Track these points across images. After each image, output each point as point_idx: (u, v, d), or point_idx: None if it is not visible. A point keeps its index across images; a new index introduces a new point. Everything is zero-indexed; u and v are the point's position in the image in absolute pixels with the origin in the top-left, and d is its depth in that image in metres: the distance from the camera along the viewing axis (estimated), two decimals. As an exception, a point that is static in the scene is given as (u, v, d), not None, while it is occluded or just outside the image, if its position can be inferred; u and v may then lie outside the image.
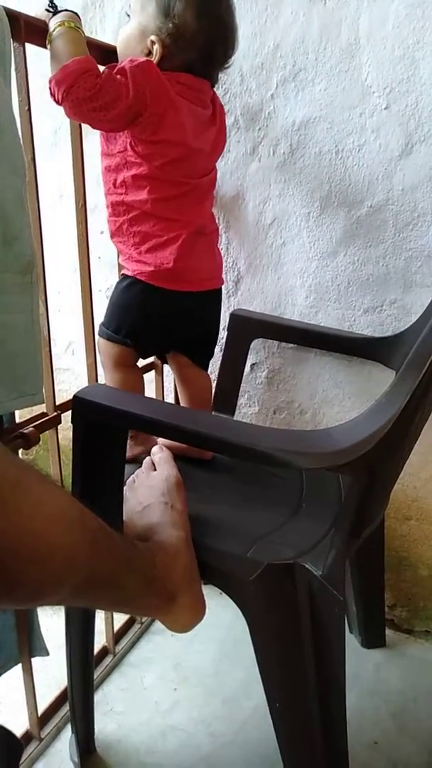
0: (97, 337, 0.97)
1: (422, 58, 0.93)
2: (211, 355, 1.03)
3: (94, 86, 0.75)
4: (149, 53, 0.83)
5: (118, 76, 0.78)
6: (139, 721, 1.03)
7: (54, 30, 0.77)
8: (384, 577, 1.13)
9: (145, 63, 0.79)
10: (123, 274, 0.93)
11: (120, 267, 1.00)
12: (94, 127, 0.83)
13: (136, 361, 0.98)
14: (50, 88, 0.77)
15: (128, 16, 0.87)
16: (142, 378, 1.02)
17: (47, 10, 0.78)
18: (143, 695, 1.08)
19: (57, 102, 0.78)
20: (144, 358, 0.99)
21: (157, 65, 0.82)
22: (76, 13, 0.80)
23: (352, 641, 1.18)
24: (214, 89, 0.92)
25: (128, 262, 0.91)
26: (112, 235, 0.93)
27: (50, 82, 0.77)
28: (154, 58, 0.82)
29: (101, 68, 0.79)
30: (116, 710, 1.05)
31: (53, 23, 0.77)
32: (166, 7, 0.81)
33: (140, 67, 0.79)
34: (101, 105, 0.76)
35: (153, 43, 0.82)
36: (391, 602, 1.22)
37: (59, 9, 0.78)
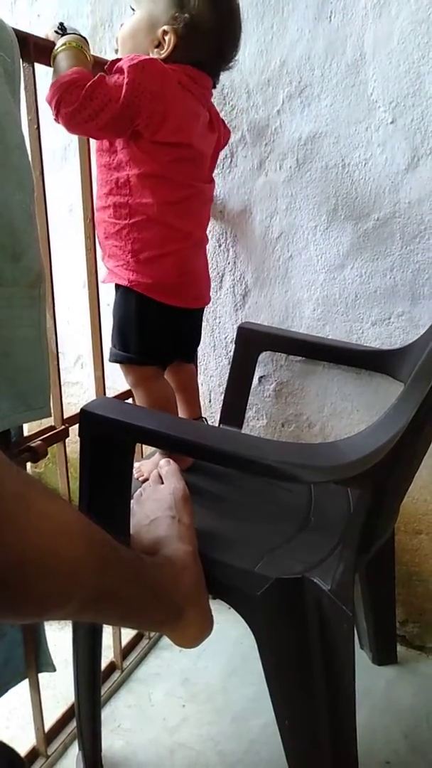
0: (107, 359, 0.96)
1: (427, 73, 0.94)
2: (196, 349, 1.04)
3: (79, 97, 0.74)
4: (159, 45, 0.82)
5: (117, 76, 0.77)
6: (146, 738, 1.01)
7: (57, 49, 0.78)
8: (395, 592, 1.12)
9: (146, 60, 0.77)
10: (117, 284, 0.90)
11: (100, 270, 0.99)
12: (95, 137, 0.82)
13: (159, 373, 0.95)
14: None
15: (132, 9, 0.86)
16: (171, 388, 0.98)
17: (56, 32, 0.79)
18: (151, 712, 1.07)
19: (55, 120, 0.78)
20: (163, 368, 0.96)
21: (166, 58, 0.81)
22: (84, 38, 0.81)
23: (362, 658, 1.16)
24: (211, 100, 0.92)
25: (122, 269, 0.88)
26: (107, 237, 0.89)
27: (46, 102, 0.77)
28: (165, 50, 0.81)
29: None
30: (124, 727, 1.03)
31: (59, 42, 0.79)
32: None
33: (139, 65, 0.76)
34: (90, 114, 0.75)
35: (165, 33, 0.80)
36: (403, 618, 1.21)
37: (68, 32, 0.80)
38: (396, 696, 1.09)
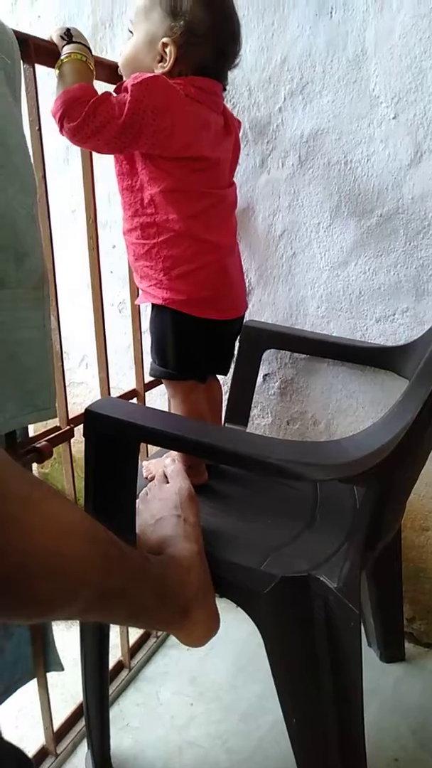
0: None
1: (430, 68, 0.93)
2: (229, 364, 1.03)
3: (81, 113, 0.75)
4: (161, 59, 0.82)
5: (122, 94, 0.78)
6: (155, 736, 1.02)
7: (63, 58, 0.78)
8: (402, 589, 1.12)
9: (150, 78, 0.78)
10: (153, 305, 0.90)
11: (134, 290, 0.99)
12: (99, 152, 0.83)
13: (197, 386, 0.94)
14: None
15: (131, 32, 0.86)
16: (205, 403, 0.98)
17: (62, 37, 0.79)
18: (159, 710, 1.07)
19: (60, 133, 0.78)
20: (202, 381, 0.95)
21: (171, 70, 0.81)
22: (87, 47, 0.81)
23: (370, 655, 1.16)
24: (224, 102, 0.93)
25: (155, 288, 0.88)
26: (137, 259, 0.89)
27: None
28: (168, 62, 0.81)
29: (110, 88, 0.80)
30: (132, 725, 1.04)
31: (64, 52, 0.79)
32: (173, 6, 0.80)
33: (143, 83, 0.77)
34: (93, 129, 0.76)
35: (165, 45, 0.81)
36: (410, 615, 1.20)
37: (74, 39, 0.80)
38: (404, 693, 1.09)
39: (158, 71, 0.82)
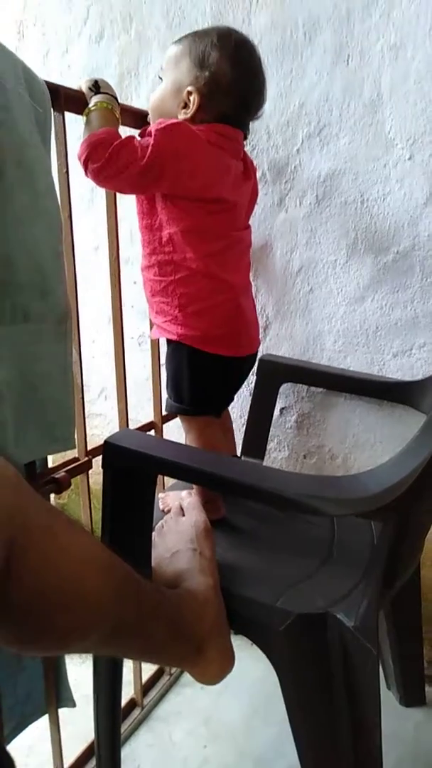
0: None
1: (444, 111, 0.96)
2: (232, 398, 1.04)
3: (104, 155, 0.78)
4: (185, 106, 0.86)
5: (146, 138, 0.81)
6: (167, 779, 0.99)
7: (90, 107, 0.83)
8: (422, 630, 1.09)
9: (173, 124, 0.82)
10: (169, 341, 0.92)
11: (150, 324, 1.01)
12: (122, 192, 0.86)
13: (212, 421, 0.95)
14: None
15: (161, 79, 0.91)
16: (221, 436, 0.99)
17: (90, 89, 0.84)
18: (171, 752, 1.04)
19: (85, 175, 0.82)
20: (217, 416, 0.97)
21: (194, 117, 0.85)
22: (115, 97, 0.86)
23: (390, 699, 1.12)
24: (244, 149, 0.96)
25: (170, 324, 0.90)
26: (154, 295, 0.91)
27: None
28: (191, 109, 0.85)
29: (136, 132, 0.83)
30: (144, 767, 1.01)
31: (92, 102, 0.83)
32: (201, 58, 0.84)
33: (167, 128, 0.81)
34: (115, 171, 0.79)
35: (190, 93, 0.85)
36: (431, 657, 1.17)
37: (101, 90, 0.84)
38: (425, 739, 1.05)
39: (181, 117, 0.86)
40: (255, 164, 1.03)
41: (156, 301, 0.92)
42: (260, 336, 1.19)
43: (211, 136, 0.85)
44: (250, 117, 0.91)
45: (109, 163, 0.78)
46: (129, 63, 1.19)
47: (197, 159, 0.83)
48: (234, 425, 1.25)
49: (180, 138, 0.82)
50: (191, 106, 0.85)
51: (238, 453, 1.17)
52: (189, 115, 0.85)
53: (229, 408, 1.21)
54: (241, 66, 0.86)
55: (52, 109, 0.76)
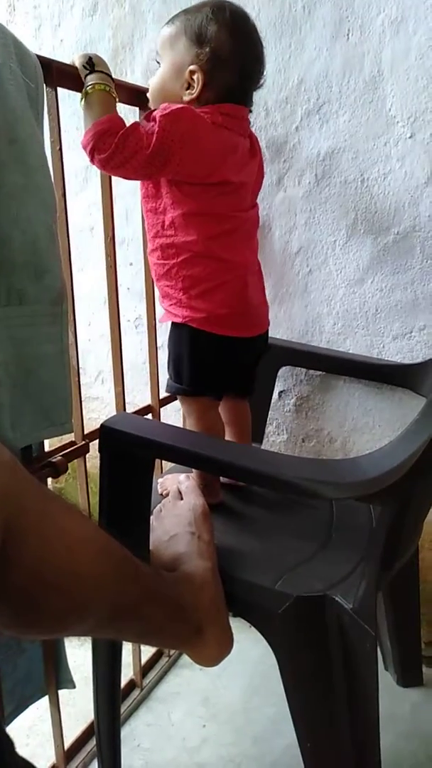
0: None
1: (446, 87, 0.94)
2: (252, 385, 1.01)
3: (111, 145, 0.77)
4: (189, 86, 0.84)
5: (150, 124, 0.79)
6: (165, 758, 1.00)
7: (87, 89, 0.80)
8: (420, 612, 1.09)
9: (178, 109, 0.80)
10: (172, 322, 0.91)
11: (149, 309, 1.00)
12: (128, 179, 0.85)
13: (212, 404, 0.94)
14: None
15: (158, 63, 0.88)
16: (221, 422, 0.97)
17: (84, 66, 0.81)
18: (170, 731, 1.05)
19: (91, 163, 0.80)
20: (217, 399, 0.95)
21: (199, 96, 0.83)
22: (109, 74, 0.83)
23: (387, 679, 1.14)
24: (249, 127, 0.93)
25: (176, 307, 0.89)
26: (158, 279, 0.91)
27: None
28: (196, 89, 0.83)
29: (136, 113, 0.80)
30: (143, 746, 1.02)
31: (88, 82, 0.81)
32: (198, 35, 0.82)
33: (171, 114, 0.79)
34: (122, 160, 0.78)
35: (193, 72, 0.83)
36: (428, 638, 1.18)
37: (96, 69, 0.82)
38: (422, 719, 1.06)
39: (186, 98, 0.84)
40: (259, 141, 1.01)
41: (161, 285, 0.91)
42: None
43: (216, 118, 0.83)
44: (253, 86, 0.89)
45: (116, 153, 0.77)
46: (123, 37, 1.16)
47: (203, 144, 0.81)
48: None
49: (185, 123, 0.80)
50: (196, 85, 0.83)
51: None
52: (195, 95, 0.83)
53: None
54: (239, 35, 0.84)
55: (44, 85, 0.74)
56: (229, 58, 0.83)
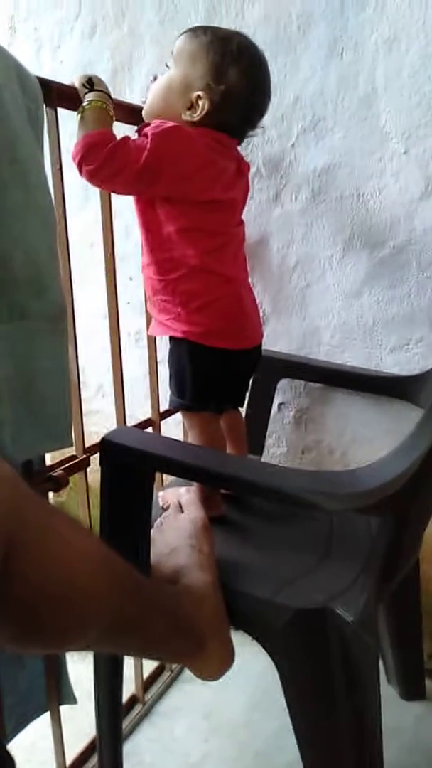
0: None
1: (439, 104, 0.96)
2: (246, 393, 1.02)
3: (99, 157, 0.77)
4: (191, 106, 0.84)
5: (141, 139, 0.80)
6: (168, 774, 0.99)
7: (84, 105, 0.82)
8: (421, 624, 1.09)
9: (171, 128, 0.81)
10: (172, 338, 0.92)
11: (147, 322, 1.01)
12: (116, 193, 0.86)
13: (214, 418, 0.94)
14: None
15: (167, 66, 0.88)
16: (222, 436, 0.98)
17: (84, 86, 0.83)
18: (173, 747, 1.05)
19: (80, 175, 0.81)
20: (219, 413, 0.95)
21: (196, 121, 0.84)
22: (108, 93, 0.84)
23: (390, 693, 1.13)
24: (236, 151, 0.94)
25: (174, 322, 0.90)
26: (155, 293, 0.91)
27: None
28: (198, 114, 0.84)
29: (128, 128, 0.82)
30: (145, 762, 1.02)
31: (86, 99, 0.82)
32: (219, 69, 0.82)
33: (164, 132, 0.80)
34: (110, 173, 0.78)
35: (200, 98, 0.83)
36: (430, 651, 1.17)
37: (95, 87, 0.83)
38: (425, 732, 1.06)
39: (185, 117, 0.85)
40: (248, 161, 1.03)
41: (158, 300, 0.91)
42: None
43: (209, 142, 0.84)
44: (251, 130, 0.91)
45: (105, 165, 0.78)
46: (122, 58, 1.19)
47: (193, 165, 0.82)
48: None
49: (177, 144, 0.81)
50: (198, 111, 0.84)
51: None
52: (194, 119, 0.84)
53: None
54: (255, 84, 0.85)
55: (44, 105, 0.75)
56: (238, 103, 0.84)
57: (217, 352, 0.89)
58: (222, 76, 0.83)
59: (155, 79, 0.90)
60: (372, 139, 1.02)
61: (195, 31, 0.86)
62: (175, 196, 0.84)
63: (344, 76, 1.02)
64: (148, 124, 0.85)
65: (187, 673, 1.07)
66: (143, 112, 0.91)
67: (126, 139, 0.80)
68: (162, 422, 1.16)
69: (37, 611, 0.48)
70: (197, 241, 0.86)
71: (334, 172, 1.06)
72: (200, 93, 0.83)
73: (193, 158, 0.82)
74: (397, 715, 1.08)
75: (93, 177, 0.80)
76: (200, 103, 0.83)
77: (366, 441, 1.16)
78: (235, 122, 0.87)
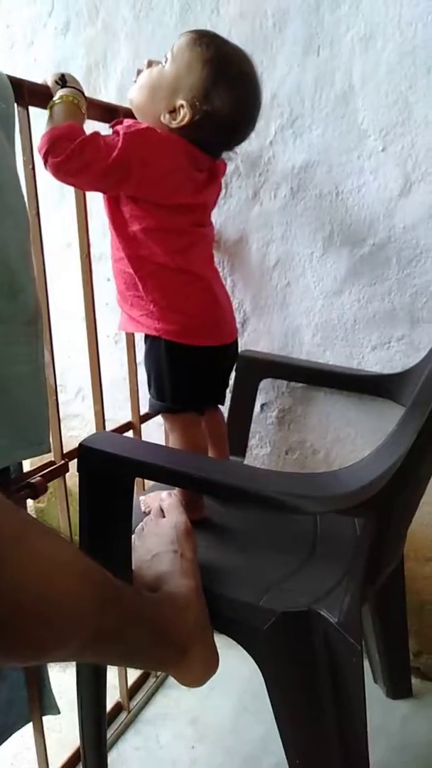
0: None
1: (415, 102, 0.95)
2: (225, 391, 1.01)
3: (65, 151, 0.75)
4: (173, 111, 0.82)
5: (113, 136, 0.79)
6: (155, 782, 0.98)
7: (55, 99, 0.80)
8: (407, 622, 1.09)
9: (143, 131, 0.79)
10: (148, 336, 0.90)
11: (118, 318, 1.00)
12: (81, 189, 0.84)
13: (195, 420, 0.93)
14: None
15: (166, 58, 0.84)
16: (205, 437, 0.97)
17: (56, 82, 0.81)
18: (159, 754, 1.03)
19: (44, 168, 0.78)
20: (200, 414, 0.94)
21: (173, 128, 0.82)
22: (81, 91, 0.83)
23: (376, 692, 1.13)
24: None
25: (147, 318, 0.88)
26: (128, 288, 0.89)
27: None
28: (177, 122, 0.82)
29: (102, 127, 0.81)
30: (132, 771, 1.00)
31: (57, 95, 0.80)
32: (209, 90, 0.80)
33: (136, 134, 0.78)
34: (77, 167, 0.76)
35: (182, 107, 0.81)
36: (416, 649, 1.17)
37: (68, 84, 0.81)
38: (412, 731, 1.06)
39: (163, 120, 0.83)
40: (226, 158, 1.02)
41: (130, 295, 0.90)
42: (239, 332, 1.18)
43: (179, 149, 0.83)
44: (228, 151, 0.90)
45: (71, 159, 0.75)
46: (96, 55, 1.17)
47: (163, 169, 0.81)
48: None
49: (148, 147, 0.79)
50: (178, 119, 0.82)
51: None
52: (171, 126, 0.82)
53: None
54: (244, 117, 0.84)
55: (15, 104, 0.73)
56: (220, 127, 0.83)
57: (195, 350, 0.88)
58: (209, 97, 0.80)
59: (150, 65, 0.85)
60: (350, 137, 1.02)
61: (201, 38, 0.81)
62: (143, 197, 0.83)
63: (321, 73, 1.01)
64: (121, 121, 0.83)
65: (173, 679, 1.06)
66: (129, 92, 0.88)
67: (96, 134, 0.78)
68: (143, 425, 1.15)
69: (13, 625, 0.46)
70: (163, 241, 0.85)
71: (312, 169, 1.05)
72: (183, 103, 0.81)
73: (163, 163, 0.81)
74: (384, 714, 1.08)
75: (58, 170, 0.77)
76: (182, 112, 0.81)
77: (349, 439, 1.15)
78: (211, 142, 0.85)
